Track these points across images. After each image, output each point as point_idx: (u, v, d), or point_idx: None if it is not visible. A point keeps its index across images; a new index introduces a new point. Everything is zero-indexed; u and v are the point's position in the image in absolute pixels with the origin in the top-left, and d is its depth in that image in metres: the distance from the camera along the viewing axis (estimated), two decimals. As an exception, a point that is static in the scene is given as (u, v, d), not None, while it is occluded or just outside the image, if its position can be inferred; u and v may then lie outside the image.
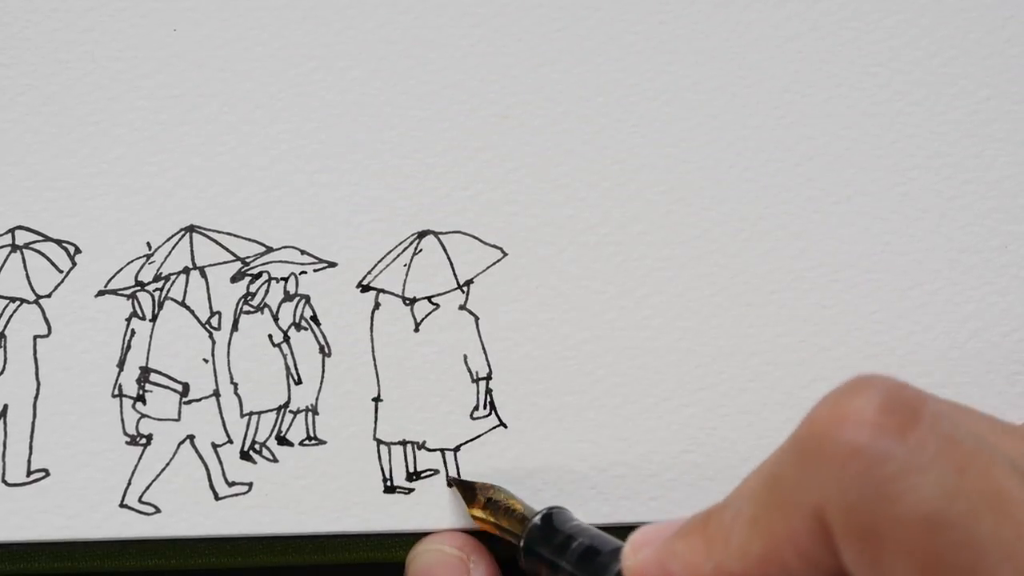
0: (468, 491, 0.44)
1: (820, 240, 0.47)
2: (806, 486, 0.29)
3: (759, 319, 0.46)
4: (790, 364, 0.46)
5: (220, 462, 0.45)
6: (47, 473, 0.45)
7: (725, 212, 0.47)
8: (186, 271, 0.46)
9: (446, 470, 0.45)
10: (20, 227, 0.46)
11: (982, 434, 0.29)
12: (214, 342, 0.46)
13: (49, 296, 0.46)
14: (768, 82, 0.47)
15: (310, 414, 0.45)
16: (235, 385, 0.45)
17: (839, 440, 0.28)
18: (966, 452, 0.28)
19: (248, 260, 0.46)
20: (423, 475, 0.45)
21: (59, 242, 0.46)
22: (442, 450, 0.45)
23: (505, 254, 0.46)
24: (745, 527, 0.31)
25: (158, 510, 0.45)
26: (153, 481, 0.45)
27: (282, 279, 0.46)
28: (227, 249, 0.46)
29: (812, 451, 0.29)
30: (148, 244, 0.46)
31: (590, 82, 0.47)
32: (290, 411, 0.45)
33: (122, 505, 0.45)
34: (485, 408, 0.45)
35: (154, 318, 0.46)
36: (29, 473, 0.45)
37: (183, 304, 0.46)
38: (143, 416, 0.45)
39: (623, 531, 0.44)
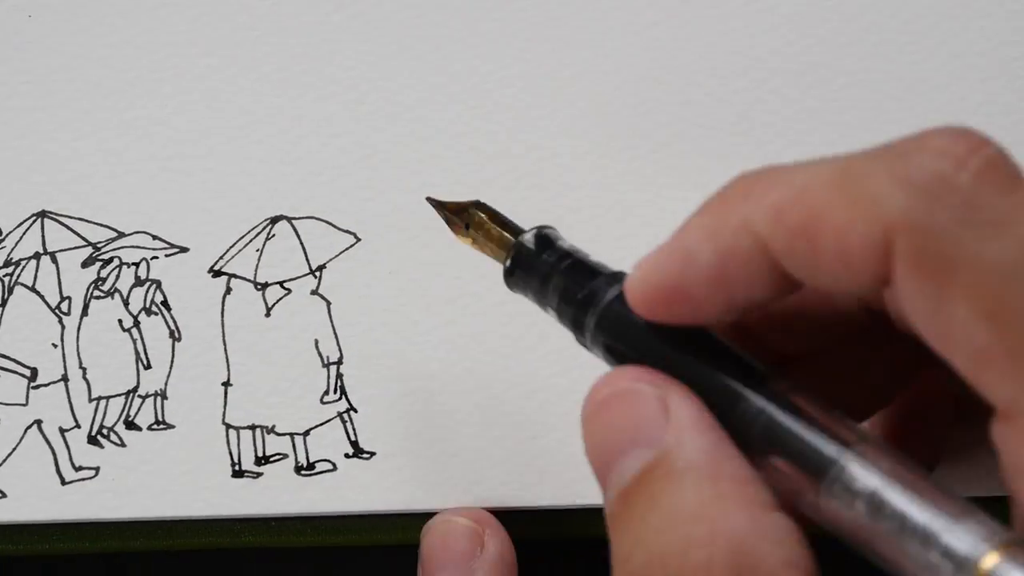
0: (448, 215, 0.40)
1: (676, 228, 0.47)
2: (887, 191, 0.28)
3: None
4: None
5: (67, 447, 0.45)
6: None
7: (579, 198, 0.47)
8: (37, 256, 0.46)
9: (295, 454, 0.45)
10: None
11: None
12: (63, 327, 0.46)
13: (-99, 282, 0.46)
14: (625, 69, 0.48)
15: (159, 398, 0.45)
16: (84, 370, 0.45)
17: (940, 170, 0.28)
18: None
19: (99, 245, 0.46)
20: (272, 459, 0.45)
21: (-87, 228, 0.46)
22: (291, 434, 0.45)
23: (358, 239, 0.46)
24: (793, 187, 0.29)
25: (4, 495, 0.44)
26: (-1, 465, 0.45)
27: (133, 264, 0.46)
28: (78, 234, 0.46)
29: (907, 167, 0.28)
30: (-1, 229, 0.46)
31: (446, 68, 0.47)
32: (139, 396, 0.45)
33: (-32, 490, 0.44)
34: (335, 393, 0.45)
35: (3, 303, 0.45)
36: None
37: (33, 289, 0.46)
38: (-9, 401, 0.45)
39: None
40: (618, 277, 0.33)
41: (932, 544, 0.27)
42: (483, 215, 0.38)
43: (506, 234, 0.37)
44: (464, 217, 0.39)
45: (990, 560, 0.26)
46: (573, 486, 0.45)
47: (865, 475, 0.28)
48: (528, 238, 0.36)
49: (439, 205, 0.40)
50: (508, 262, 0.36)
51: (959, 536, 0.27)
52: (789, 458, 0.29)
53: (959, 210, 0.27)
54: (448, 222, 0.39)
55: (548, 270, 0.35)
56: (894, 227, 0.28)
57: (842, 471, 0.28)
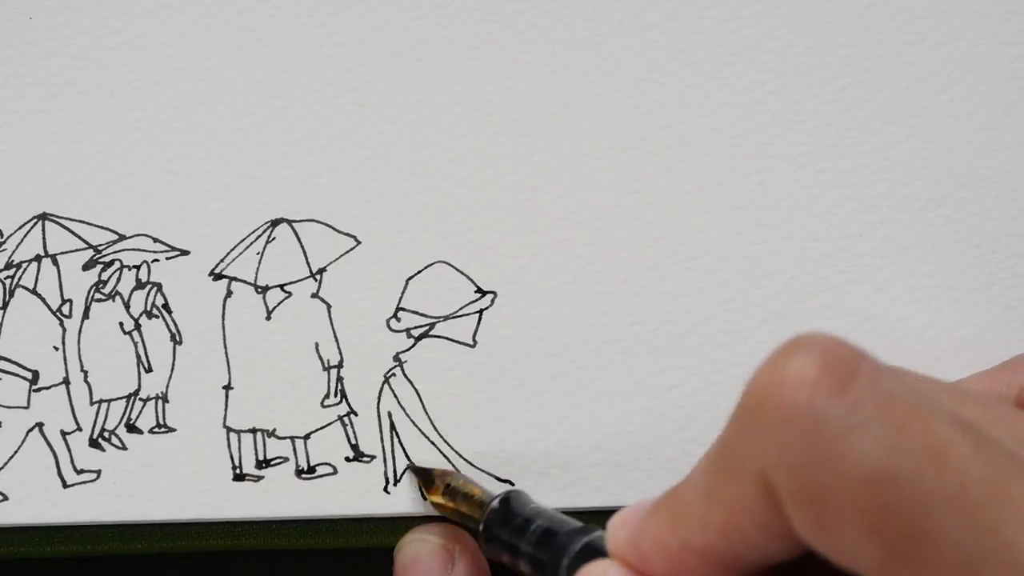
0: (426, 478, 0.44)
1: (674, 228, 0.47)
2: (750, 452, 0.29)
3: (612, 307, 0.46)
4: (642, 352, 0.46)
5: (69, 450, 0.45)
6: None
7: (579, 201, 0.47)
8: (38, 259, 0.46)
9: (295, 457, 0.45)
10: None
11: (921, 389, 0.29)
12: (65, 330, 0.46)
13: (-98, 284, 0.46)
14: (624, 71, 0.48)
15: (160, 402, 0.45)
16: (85, 373, 0.45)
17: (778, 403, 0.28)
18: (906, 408, 0.28)
19: (100, 248, 0.46)
20: (272, 463, 0.45)
21: (-88, 230, 0.46)
22: (292, 438, 0.45)
23: (359, 242, 0.46)
24: (703, 501, 0.30)
25: (6, 498, 0.45)
26: (1, 469, 0.45)
27: (134, 267, 0.46)
28: (79, 237, 0.46)
29: (753, 416, 0.29)
30: (0, 232, 0.46)
31: (446, 70, 0.47)
32: (140, 399, 0.45)
33: (-30, 493, 0.45)
34: (336, 396, 0.45)
35: (4, 306, 0.46)
36: None
37: (34, 292, 0.46)
38: (-8, 404, 0.45)
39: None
40: (584, 531, 0.36)
41: None
42: (460, 483, 0.43)
43: (479, 492, 0.42)
44: (443, 478, 0.43)
45: None
46: (570, 489, 0.45)
47: None
48: (495, 505, 0.41)
49: (417, 471, 0.44)
50: (482, 527, 0.41)
51: None
52: None
53: (808, 439, 0.28)
54: (425, 482, 0.44)
55: (518, 530, 0.39)
56: (767, 476, 0.29)
57: None
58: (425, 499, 0.44)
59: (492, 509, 0.41)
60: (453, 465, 0.45)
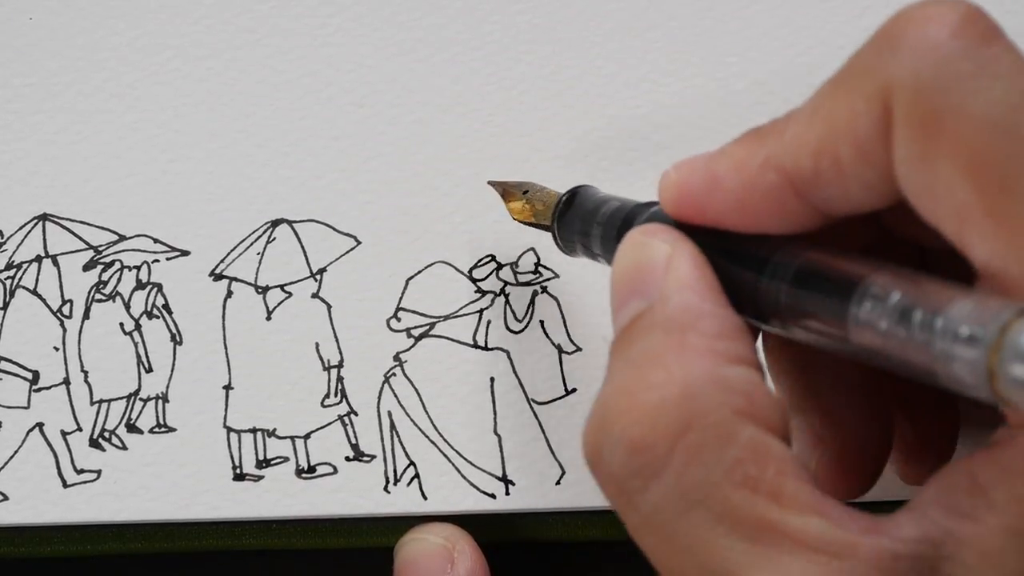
0: (505, 189, 0.44)
1: (675, 229, 0.47)
2: (880, 66, 0.29)
3: (608, 316, 0.46)
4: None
5: (69, 449, 0.45)
6: None
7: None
8: (38, 259, 0.46)
9: (296, 457, 0.45)
10: None
11: None
12: (65, 330, 0.46)
13: (-97, 285, 0.46)
14: (624, 71, 0.48)
15: (160, 402, 0.45)
16: (85, 373, 0.45)
17: (921, 33, 0.28)
18: None
19: (101, 248, 0.46)
20: (273, 462, 0.45)
21: (-86, 231, 0.46)
22: (292, 437, 0.45)
23: (359, 242, 0.46)
24: (804, 118, 0.30)
25: (6, 497, 0.45)
26: (1, 468, 0.45)
27: (135, 267, 0.46)
28: (80, 237, 0.46)
29: (891, 39, 0.29)
30: (0, 232, 0.46)
31: (445, 71, 0.48)
32: (140, 399, 0.45)
33: (-30, 493, 0.45)
34: (336, 396, 0.45)
35: (4, 306, 0.46)
36: None
37: (34, 292, 0.46)
38: (-8, 404, 0.45)
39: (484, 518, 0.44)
40: (653, 204, 0.35)
41: (955, 335, 0.26)
42: (536, 188, 0.43)
43: (553, 193, 0.42)
44: (520, 186, 0.43)
45: (1006, 331, 0.25)
46: (571, 489, 0.45)
47: (887, 292, 0.28)
48: (563, 198, 0.40)
49: (498, 184, 0.44)
50: (561, 204, 0.40)
51: (975, 320, 0.26)
52: (814, 302, 0.30)
53: (943, 66, 0.28)
54: (505, 194, 0.43)
55: (588, 216, 0.38)
56: (890, 92, 0.28)
57: (865, 293, 0.28)
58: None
59: (561, 203, 0.40)
60: (453, 464, 0.45)
